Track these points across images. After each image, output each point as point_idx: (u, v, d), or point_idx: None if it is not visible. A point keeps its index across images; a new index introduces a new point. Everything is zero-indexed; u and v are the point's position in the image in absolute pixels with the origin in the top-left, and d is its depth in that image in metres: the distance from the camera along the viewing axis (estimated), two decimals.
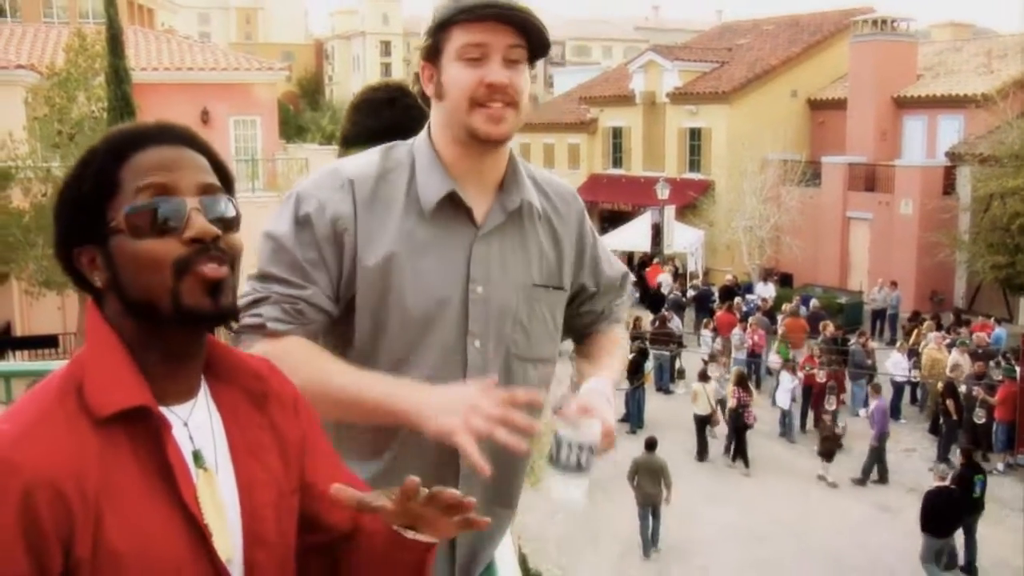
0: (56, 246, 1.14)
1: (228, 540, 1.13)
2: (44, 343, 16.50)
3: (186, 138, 1.15)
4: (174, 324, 1.09)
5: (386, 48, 78.49)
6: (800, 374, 15.70)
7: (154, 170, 1.10)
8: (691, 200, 27.56)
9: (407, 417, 1.42)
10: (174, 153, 1.13)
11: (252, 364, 1.24)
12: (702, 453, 14.50)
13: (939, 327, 18.89)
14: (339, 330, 1.63)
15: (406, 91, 2.23)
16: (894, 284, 22.14)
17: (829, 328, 18.01)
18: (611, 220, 30.88)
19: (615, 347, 1.85)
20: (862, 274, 24.98)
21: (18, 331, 17.40)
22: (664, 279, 23.96)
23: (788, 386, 15.37)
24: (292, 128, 50.83)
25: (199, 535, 1.09)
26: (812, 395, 15.51)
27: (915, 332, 18.40)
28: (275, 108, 24.32)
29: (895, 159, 25.19)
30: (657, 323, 19.24)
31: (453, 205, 1.62)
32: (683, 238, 25.79)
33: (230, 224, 1.14)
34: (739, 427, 14.15)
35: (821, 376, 15.23)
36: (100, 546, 1.02)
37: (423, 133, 1.67)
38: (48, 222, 13.42)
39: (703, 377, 14.73)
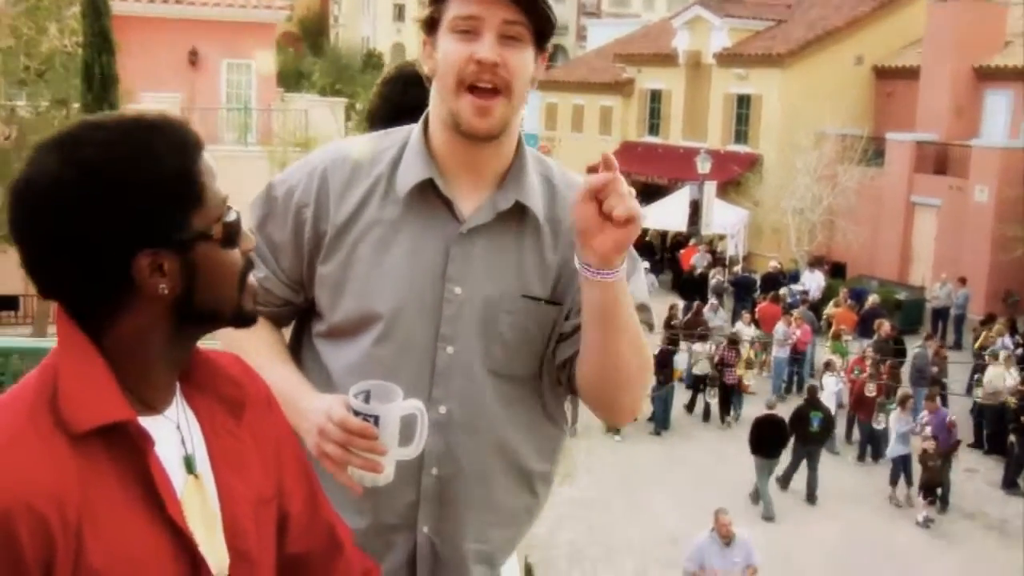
0: (85, 247, 1.12)
1: (217, 553, 1.18)
2: (3, 304, 16.59)
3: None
4: (222, 326, 1.25)
5: None
6: (844, 377, 15.66)
7: (215, 178, 1.19)
8: (735, 176, 27.46)
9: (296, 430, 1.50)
10: (213, 158, 1.22)
11: (228, 369, 1.30)
12: (691, 407, 16.83)
13: (1013, 331, 18.69)
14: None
15: None
16: (962, 281, 21.91)
17: (884, 327, 17.83)
18: (644, 194, 30.61)
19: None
20: (925, 268, 24.79)
21: None
22: (698, 259, 23.89)
23: (832, 389, 15.32)
24: (291, 74, 50.76)
25: (187, 551, 1.14)
26: (860, 402, 15.38)
27: (985, 335, 18.21)
28: (273, 52, 24.26)
29: (972, 138, 24.86)
30: (691, 313, 19.14)
31: (433, 195, 1.64)
32: (724, 218, 25.71)
33: None
34: (721, 385, 16.48)
35: (871, 390, 15.12)
36: (81, 569, 1.06)
37: (423, 116, 1.70)
38: (11, 170, 13.21)
39: (703, 339, 16.95)
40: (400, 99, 2.28)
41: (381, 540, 1.68)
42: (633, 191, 1.46)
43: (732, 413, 16.41)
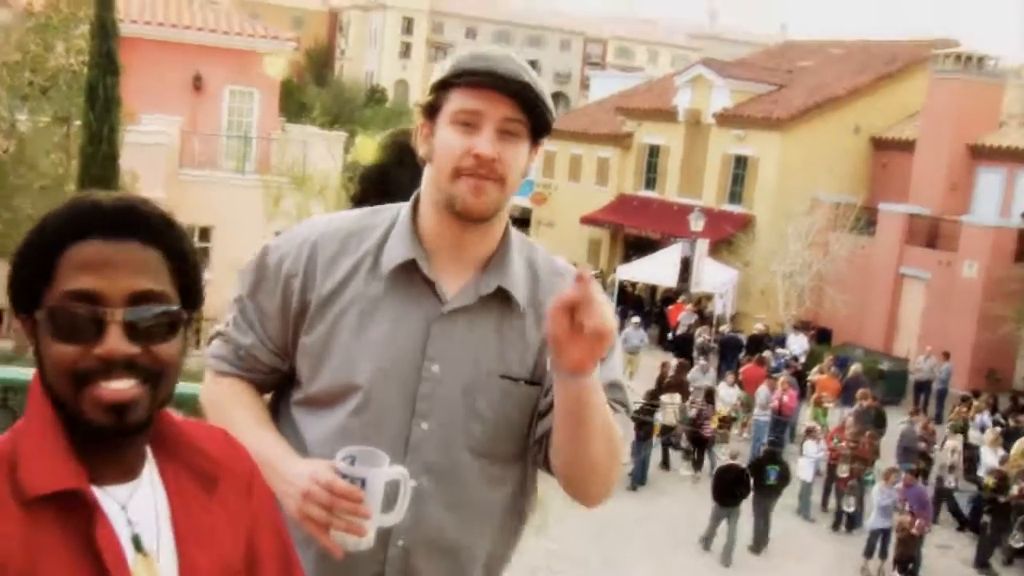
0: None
1: None
2: None
3: (139, 226, 1.16)
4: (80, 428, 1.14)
5: (408, 25, 78.75)
6: (825, 444, 15.67)
7: (85, 270, 1.13)
8: (728, 235, 27.61)
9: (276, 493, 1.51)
10: (113, 251, 1.14)
11: (202, 443, 1.28)
12: (666, 463, 16.94)
13: (994, 409, 18.77)
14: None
15: None
16: (946, 355, 22.02)
17: (868, 399, 17.84)
18: (636, 247, 30.90)
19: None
20: (911, 339, 24.91)
21: None
22: (685, 317, 23.93)
23: (813, 456, 15.35)
24: (293, 104, 50.84)
25: None
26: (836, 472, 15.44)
27: (956, 410, 18.29)
28: (277, 82, 24.43)
29: (963, 214, 25.16)
30: (675, 370, 19.18)
31: (417, 275, 1.69)
32: (714, 277, 25.78)
33: (166, 333, 1.16)
34: (695, 438, 16.84)
35: (843, 471, 15.14)
36: None
37: (414, 195, 1.75)
38: (7, 182, 13.22)
39: (672, 389, 17.22)
40: (393, 165, 2.36)
41: None
42: (608, 302, 1.47)
43: (707, 463, 16.44)
